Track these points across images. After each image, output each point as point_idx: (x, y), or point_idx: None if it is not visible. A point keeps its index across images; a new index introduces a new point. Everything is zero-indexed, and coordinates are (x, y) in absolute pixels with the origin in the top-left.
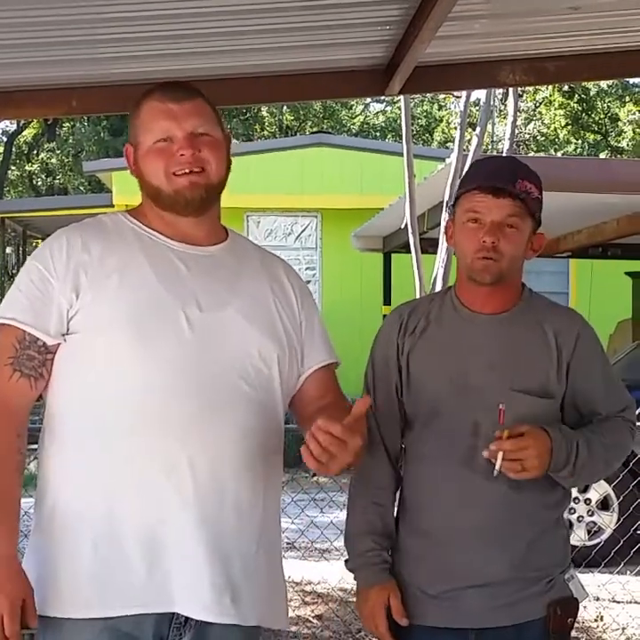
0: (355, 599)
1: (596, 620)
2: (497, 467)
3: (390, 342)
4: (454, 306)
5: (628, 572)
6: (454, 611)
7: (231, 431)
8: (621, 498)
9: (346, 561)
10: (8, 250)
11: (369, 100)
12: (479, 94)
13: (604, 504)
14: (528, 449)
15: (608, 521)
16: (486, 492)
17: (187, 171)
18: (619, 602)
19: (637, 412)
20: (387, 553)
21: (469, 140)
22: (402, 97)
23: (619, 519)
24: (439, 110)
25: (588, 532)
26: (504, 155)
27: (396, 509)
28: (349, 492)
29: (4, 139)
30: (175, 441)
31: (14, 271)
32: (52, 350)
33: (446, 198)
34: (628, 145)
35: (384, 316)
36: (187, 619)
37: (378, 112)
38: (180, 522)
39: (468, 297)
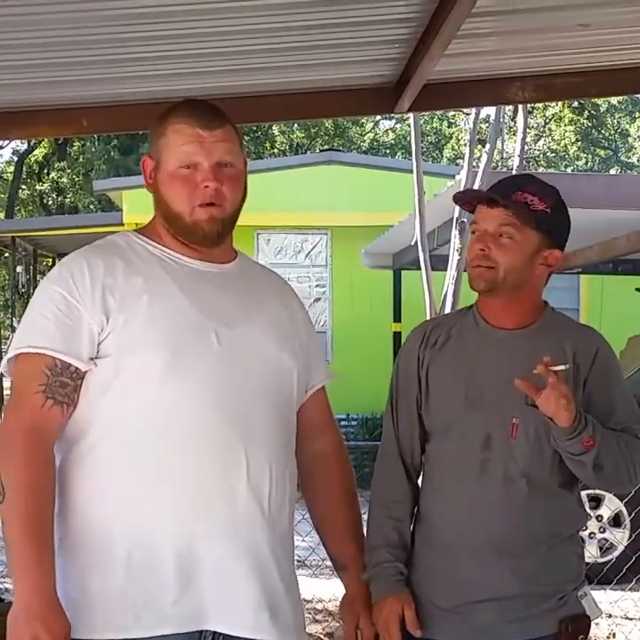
0: None
1: (608, 638)
2: (560, 367)
3: (412, 355)
4: (476, 320)
5: None
6: (466, 625)
7: (263, 446)
8: (633, 514)
9: (362, 573)
10: (19, 268)
11: (379, 117)
12: (489, 111)
13: (616, 520)
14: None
15: (620, 537)
16: (498, 506)
17: (207, 202)
18: (631, 619)
19: None
20: (402, 565)
21: (479, 157)
22: (411, 114)
23: (631, 536)
24: (449, 127)
25: (600, 548)
26: (514, 171)
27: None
28: (369, 503)
29: (15, 158)
30: (209, 459)
31: (24, 290)
32: (82, 376)
33: (456, 215)
34: (638, 161)
35: (395, 333)
36: (214, 636)
37: (388, 129)
38: (215, 539)
39: (486, 311)
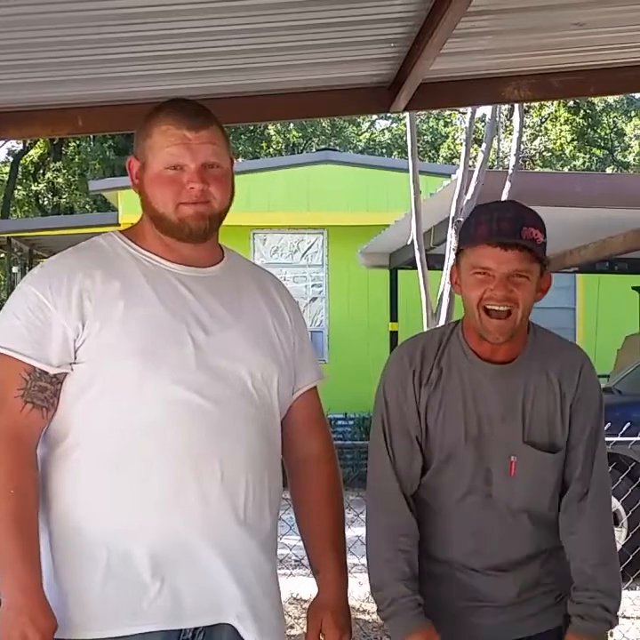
0: (360, 616)
1: None
2: None
3: (408, 394)
4: (464, 351)
5: (638, 588)
6: (472, 628)
7: (239, 452)
8: (630, 513)
9: (378, 610)
10: (14, 269)
11: (375, 116)
12: (485, 110)
13: (614, 519)
14: None
15: (617, 536)
16: (503, 537)
17: (193, 202)
18: (628, 617)
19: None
20: (420, 596)
21: (475, 157)
22: (407, 113)
23: (628, 534)
24: (445, 126)
25: None
26: (510, 170)
27: None
28: (370, 540)
29: (11, 159)
30: (186, 463)
31: None
32: (60, 379)
33: (452, 214)
34: (634, 160)
35: (391, 332)
36: (193, 634)
37: (384, 129)
38: (189, 541)
39: (476, 345)
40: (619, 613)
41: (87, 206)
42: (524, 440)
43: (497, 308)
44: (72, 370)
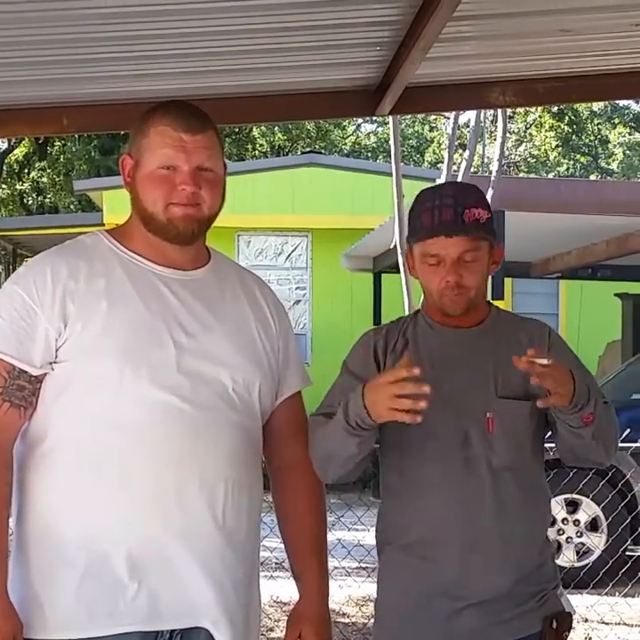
0: (340, 619)
1: None
2: (543, 361)
3: (368, 362)
4: (429, 324)
5: (617, 594)
6: (450, 632)
7: (219, 456)
8: (610, 519)
9: (347, 424)
10: None
11: (360, 120)
12: (470, 115)
13: (593, 525)
14: (562, 369)
15: (597, 542)
16: (489, 500)
17: (183, 203)
18: (607, 623)
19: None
20: None
21: (461, 162)
22: (391, 117)
23: (607, 540)
24: (431, 131)
25: (577, 553)
26: (493, 175)
27: (380, 533)
28: (314, 443)
29: None
30: (164, 465)
31: None
32: (40, 379)
33: None
34: (617, 167)
35: None
36: (171, 637)
37: (369, 133)
38: (168, 543)
39: (441, 319)
40: (597, 620)
41: (71, 206)
42: (497, 395)
43: (450, 294)
44: (53, 369)
